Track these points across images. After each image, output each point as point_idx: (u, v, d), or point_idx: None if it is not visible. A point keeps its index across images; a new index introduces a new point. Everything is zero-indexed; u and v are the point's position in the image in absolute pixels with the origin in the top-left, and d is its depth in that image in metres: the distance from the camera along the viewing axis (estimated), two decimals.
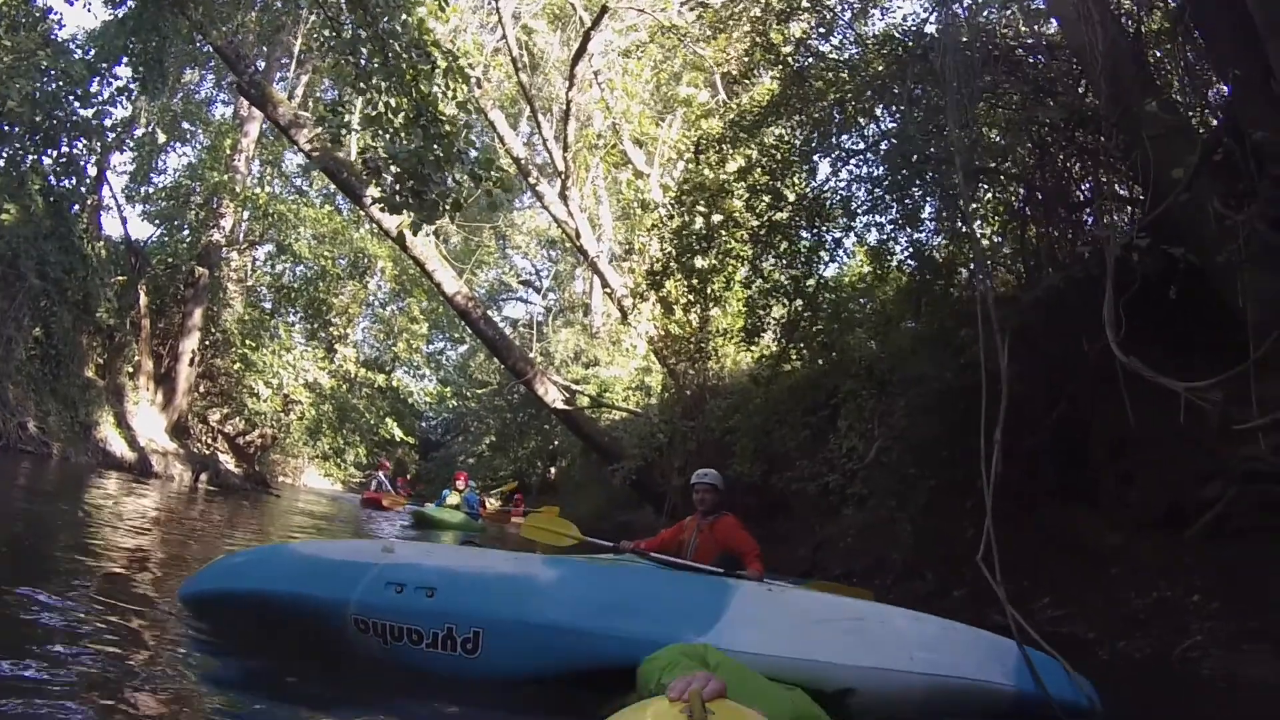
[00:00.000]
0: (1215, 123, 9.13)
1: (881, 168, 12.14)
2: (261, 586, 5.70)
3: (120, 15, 13.81)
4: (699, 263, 14.20)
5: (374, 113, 11.75)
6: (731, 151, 14.09)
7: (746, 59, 15.57)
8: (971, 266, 10.16)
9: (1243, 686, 6.61)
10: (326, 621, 5.35)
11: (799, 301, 13.42)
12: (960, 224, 10.87)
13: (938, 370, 10.75)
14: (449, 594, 5.38)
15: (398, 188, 11.85)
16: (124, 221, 29.46)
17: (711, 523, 7.95)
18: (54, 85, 18.51)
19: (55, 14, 18.08)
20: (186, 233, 30.11)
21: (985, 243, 12.54)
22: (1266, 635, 7.01)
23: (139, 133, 27.21)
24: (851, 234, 13.72)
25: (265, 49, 28.00)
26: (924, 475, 10.93)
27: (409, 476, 41.16)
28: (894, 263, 13.05)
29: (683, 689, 2.47)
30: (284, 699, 4.73)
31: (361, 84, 11.76)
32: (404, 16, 11.54)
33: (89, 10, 15.83)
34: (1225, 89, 8.92)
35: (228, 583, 5.93)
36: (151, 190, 30.30)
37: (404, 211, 12.38)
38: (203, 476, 26.11)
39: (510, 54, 22.57)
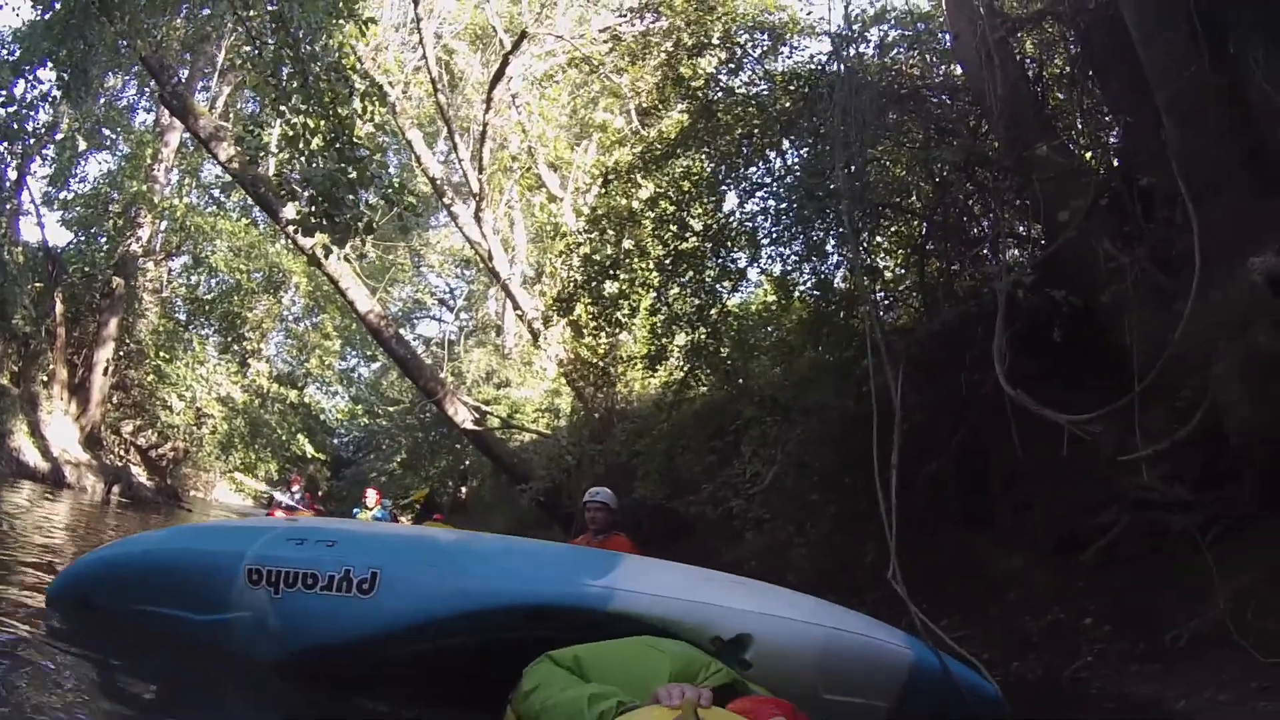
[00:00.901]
0: (1114, 164, 9.39)
1: (786, 201, 12.30)
2: (149, 547, 5.76)
3: (47, 18, 13.64)
4: (608, 287, 14.27)
5: (291, 133, 11.72)
6: (642, 180, 14.18)
7: (658, 91, 15.68)
8: (868, 298, 10.30)
9: (1131, 705, 6.80)
10: (215, 575, 5.22)
11: (703, 330, 13.52)
12: (855, 258, 11.04)
13: (838, 399, 10.90)
14: (350, 544, 5.27)
15: (312, 209, 11.81)
16: (42, 227, 29.20)
17: (602, 541, 8.14)
18: None
19: None
20: (104, 241, 29.52)
21: (888, 274, 12.80)
22: (1155, 656, 7.20)
23: (59, 136, 26.75)
24: (756, 264, 13.90)
25: (189, 57, 27.63)
26: (825, 501, 11.07)
27: (320, 494, 40.86)
28: (797, 293, 13.17)
29: (678, 696, 2.53)
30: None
31: (280, 105, 11.71)
32: (325, 39, 11.54)
33: (16, 13, 15.57)
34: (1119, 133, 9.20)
35: (113, 551, 6.03)
36: (70, 196, 29.77)
37: (317, 233, 12.35)
38: (115, 488, 25.96)
39: (430, 74, 22.57)
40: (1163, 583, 7.69)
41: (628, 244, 14.21)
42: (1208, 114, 6.57)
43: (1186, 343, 6.73)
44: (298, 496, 20.65)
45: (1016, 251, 11.03)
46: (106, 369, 28.47)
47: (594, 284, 14.36)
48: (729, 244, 13.34)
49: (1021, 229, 10.69)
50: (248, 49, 12.72)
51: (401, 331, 26.74)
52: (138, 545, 5.92)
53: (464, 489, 34.10)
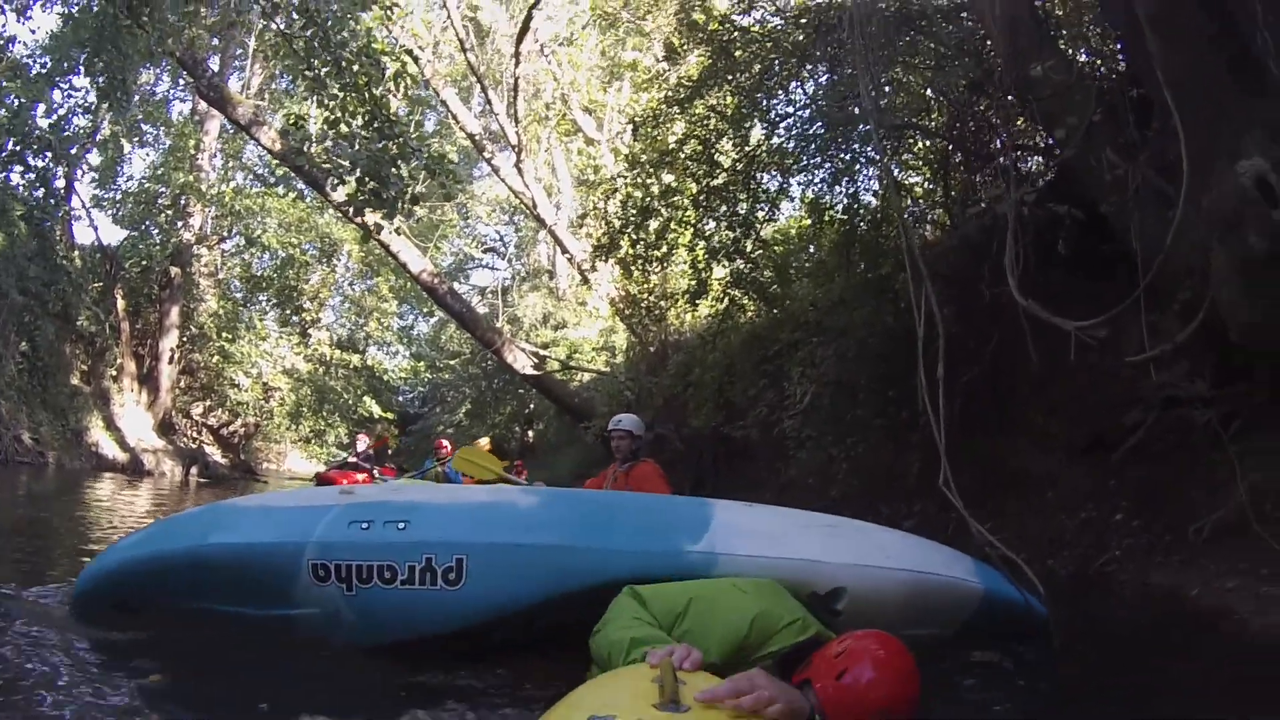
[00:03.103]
0: (1114, 75, 9.53)
1: (811, 127, 12.50)
2: (192, 544, 4.90)
3: (71, 23, 13.96)
4: (652, 224, 14.52)
5: (332, 118, 12.10)
6: (668, 123, 14.39)
7: (676, 37, 15.88)
8: (899, 215, 10.52)
9: (1152, 594, 7.14)
10: (275, 575, 4.65)
11: (740, 261, 13.85)
12: (885, 177, 11.23)
13: (876, 316, 11.17)
14: (424, 524, 4.77)
15: (360, 190, 12.23)
16: (95, 228, 29.79)
17: (628, 470, 8.26)
18: (17, 102, 18.65)
19: (17, 42, 17.92)
20: (157, 233, 30.19)
21: (917, 191, 13.02)
22: (1177, 548, 7.52)
23: (101, 137, 27.18)
24: (786, 194, 14.14)
25: (218, 42, 27.87)
26: (869, 416, 11.37)
27: (391, 450, 41.45)
28: (828, 216, 13.35)
29: (662, 656, 2.39)
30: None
31: (317, 91, 12.10)
32: (352, 24, 11.86)
33: (34, 31, 15.87)
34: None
35: (148, 548, 5.11)
36: (119, 195, 30.39)
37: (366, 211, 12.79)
38: (193, 470, 27.00)
39: (457, 33, 22.79)
40: (1188, 477, 7.95)
41: (668, 178, 14.43)
42: (1188, 25, 6.70)
43: (1183, 246, 6.99)
44: (362, 453, 20.28)
45: (1041, 159, 11.21)
46: (172, 356, 29.43)
47: (634, 225, 14.64)
48: (758, 175, 13.60)
49: (1039, 140, 10.86)
50: (276, 38, 13.08)
51: (456, 283, 27.22)
52: (176, 540, 5.04)
53: (530, 433, 34.53)
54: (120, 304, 27.61)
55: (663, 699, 2.11)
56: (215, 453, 31.39)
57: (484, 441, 19.09)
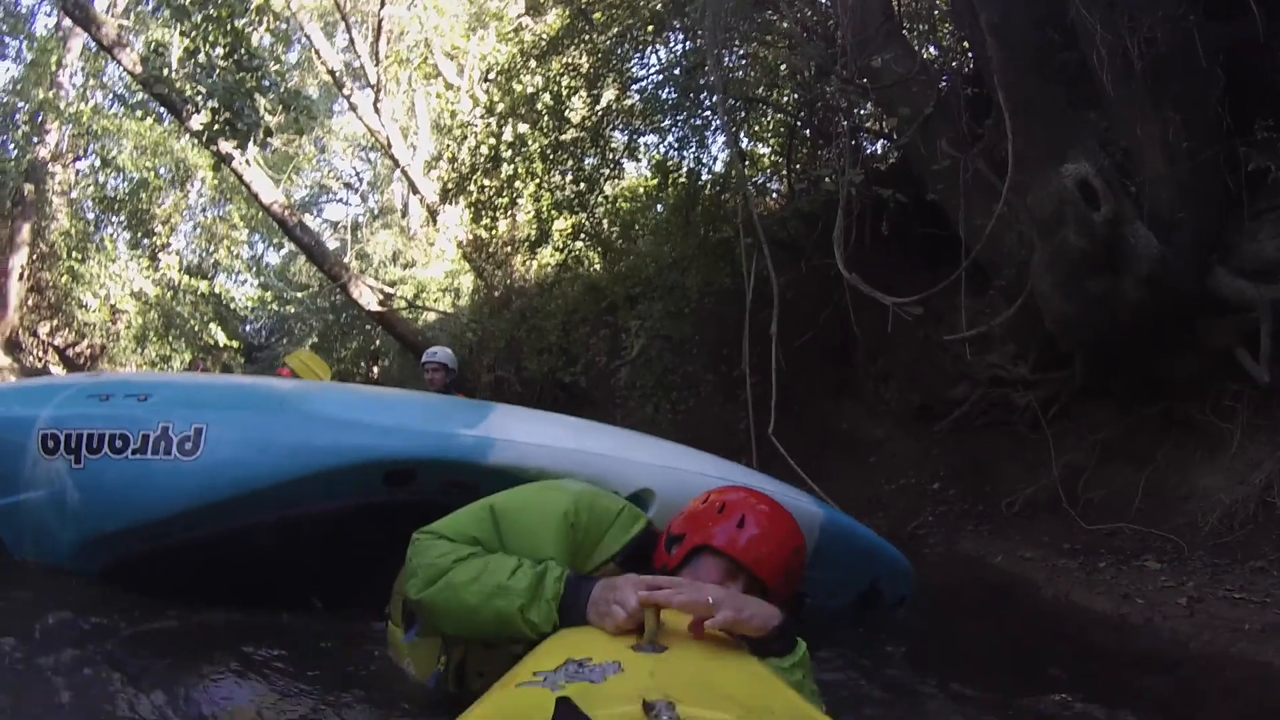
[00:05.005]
0: (954, 69, 9.77)
1: (663, 91, 12.51)
2: None
3: None
4: (502, 171, 14.37)
5: (192, 46, 11.77)
6: (526, 74, 14.21)
7: None
8: (741, 182, 10.60)
9: (955, 559, 7.43)
10: (4, 452, 3.96)
11: (583, 214, 13.94)
12: (731, 146, 11.28)
13: (714, 275, 11.28)
14: (167, 397, 4.08)
15: (215, 121, 11.95)
16: None
17: None
18: None
19: None
20: (13, 149, 28.99)
21: (765, 160, 13.15)
22: (986, 518, 7.85)
23: None
24: (634, 153, 14.19)
25: None
26: (701, 370, 11.51)
27: None
28: (672, 178, 13.33)
29: (645, 595, 2.13)
30: None
31: (180, 19, 11.75)
32: None
33: None
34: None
35: None
36: None
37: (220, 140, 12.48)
38: None
39: None
40: (1006, 453, 8.33)
41: (523, 128, 14.21)
42: (1027, 36, 6.89)
43: (1007, 237, 7.27)
44: None
45: (885, 142, 11.43)
46: (21, 274, 28.26)
47: (484, 171, 14.49)
48: (607, 134, 13.66)
49: (883, 126, 11.05)
50: None
51: (308, 216, 26.62)
52: None
53: (376, 368, 34.15)
54: None
55: (643, 640, 2.03)
56: (61, 373, 30.18)
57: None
